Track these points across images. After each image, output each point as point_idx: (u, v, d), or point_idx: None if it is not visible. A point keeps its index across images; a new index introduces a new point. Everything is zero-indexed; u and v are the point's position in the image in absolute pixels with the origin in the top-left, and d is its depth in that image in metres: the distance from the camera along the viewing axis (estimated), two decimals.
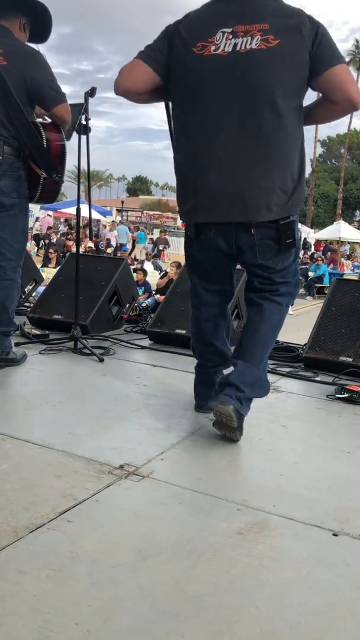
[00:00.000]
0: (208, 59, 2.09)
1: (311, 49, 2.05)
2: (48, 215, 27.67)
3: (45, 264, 13.63)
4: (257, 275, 2.25)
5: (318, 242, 26.89)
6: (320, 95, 2.19)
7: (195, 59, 2.11)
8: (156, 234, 27.60)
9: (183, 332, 3.70)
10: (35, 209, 34.11)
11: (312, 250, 24.80)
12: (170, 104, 2.35)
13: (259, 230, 2.14)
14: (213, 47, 2.08)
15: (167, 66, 2.18)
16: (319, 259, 19.13)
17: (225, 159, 2.10)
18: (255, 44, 2.03)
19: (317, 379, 3.21)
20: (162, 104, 2.42)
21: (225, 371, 2.40)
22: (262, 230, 2.14)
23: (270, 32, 2.03)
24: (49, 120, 2.88)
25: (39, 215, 27.95)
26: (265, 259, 2.19)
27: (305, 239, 27.71)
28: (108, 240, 21.29)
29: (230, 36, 2.07)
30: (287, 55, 2.03)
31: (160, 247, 21.93)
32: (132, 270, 5.41)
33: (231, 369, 2.27)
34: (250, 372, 2.18)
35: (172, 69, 2.17)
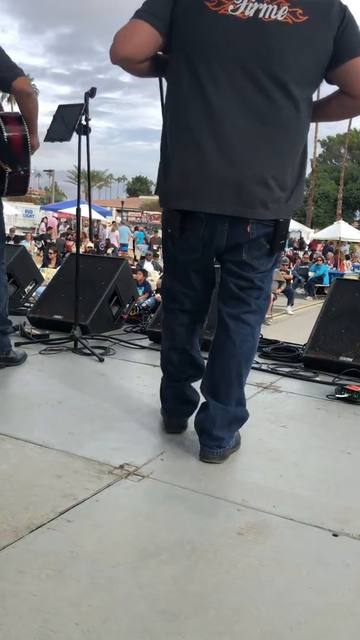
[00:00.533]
0: (223, 18, 1.78)
1: (336, 34, 1.82)
2: (53, 216, 27.61)
3: (45, 264, 13.63)
4: (235, 275, 1.98)
5: (314, 242, 26.88)
6: (337, 89, 1.96)
7: (206, 14, 1.80)
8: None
9: None
10: (35, 209, 34.15)
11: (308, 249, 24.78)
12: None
13: (257, 227, 1.89)
14: (231, 7, 1.78)
15: (171, 23, 1.85)
16: (319, 259, 19.13)
17: (225, 139, 1.82)
18: (281, 16, 1.77)
19: (317, 379, 3.21)
20: (154, 102, 2.20)
21: (197, 387, 2.25)
22: (260, 227, 1.90)
23: (299, 6, 1.77)
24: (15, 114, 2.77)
25: (44, 216, 27.95)
26: (252, 257, 1.95)
27: (302, 238, 27.74)
28: (108, 240, 21.29)
29: None
30: (313, 36, 1.80)
31: (155, 247, 21.85)
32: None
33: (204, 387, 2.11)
34: (224, 415, 2.02)
35: (175, 22, 1.84)
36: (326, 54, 1.83)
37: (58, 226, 26.83)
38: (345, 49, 1.83)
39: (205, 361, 2.16)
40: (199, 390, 2.20)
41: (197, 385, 2.23)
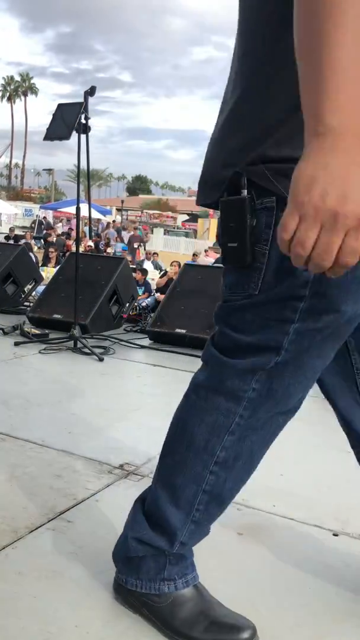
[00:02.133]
0: None
1: None
2: (73, 217, 27.39)
3: (45, 263, 13.61)
4: None
5: None
6: None
7: None
8: (157, 233, 27.34)
9: (183, 331, 3.69)
10: (35, 208, 34.05)
11: None
12: None
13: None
14: None
15: None
16: None
17: None
18: None
19: None
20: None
21: None
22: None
23: None
24: None
25: (42, 216, 27.82)
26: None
27: None
28: (108, 240, 21.26)
29: None
30: None
31: (135, 245, 21.60)
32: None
33: None
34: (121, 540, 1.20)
35: None
36: None
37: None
38: None
39: None
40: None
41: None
